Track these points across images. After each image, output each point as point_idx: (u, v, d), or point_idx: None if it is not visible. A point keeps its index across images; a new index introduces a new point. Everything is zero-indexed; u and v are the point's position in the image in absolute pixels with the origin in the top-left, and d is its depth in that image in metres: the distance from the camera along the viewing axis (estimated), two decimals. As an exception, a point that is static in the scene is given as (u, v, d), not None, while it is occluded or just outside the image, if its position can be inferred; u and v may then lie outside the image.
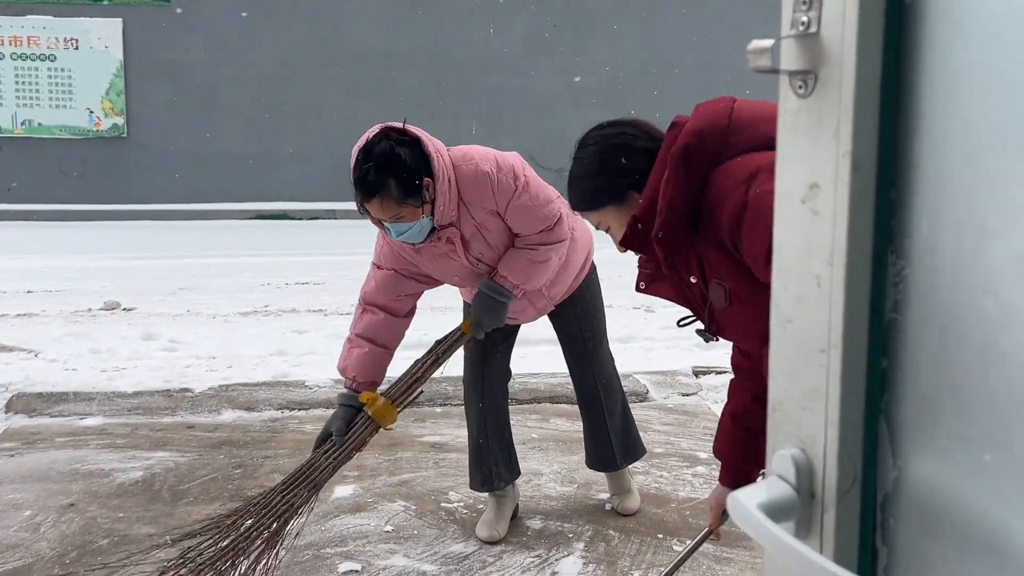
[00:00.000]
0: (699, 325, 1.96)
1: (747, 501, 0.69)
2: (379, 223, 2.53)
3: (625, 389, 3.18)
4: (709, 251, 1.74)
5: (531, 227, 2.64)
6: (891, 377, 0.68)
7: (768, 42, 0.68)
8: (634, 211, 1.79)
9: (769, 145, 1.67)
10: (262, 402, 4.24)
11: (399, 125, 2.49)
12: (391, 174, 2.40)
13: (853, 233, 0.66)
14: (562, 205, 2.69)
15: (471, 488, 3.06)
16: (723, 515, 2.05)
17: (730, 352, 2.01)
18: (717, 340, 1.92)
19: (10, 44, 11.07)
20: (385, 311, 2.72)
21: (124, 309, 6.26)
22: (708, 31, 12.09)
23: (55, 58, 11.12)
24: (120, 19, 11.15)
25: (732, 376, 2.04)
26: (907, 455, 0.67)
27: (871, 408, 0.69)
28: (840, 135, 0.66)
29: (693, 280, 1.82)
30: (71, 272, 7.56)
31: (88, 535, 2.95)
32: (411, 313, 2.80)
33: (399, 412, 2.67)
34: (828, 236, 0.67)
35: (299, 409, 4.19)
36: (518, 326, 2.99)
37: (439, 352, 2.73)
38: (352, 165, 2.45)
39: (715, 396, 4.39)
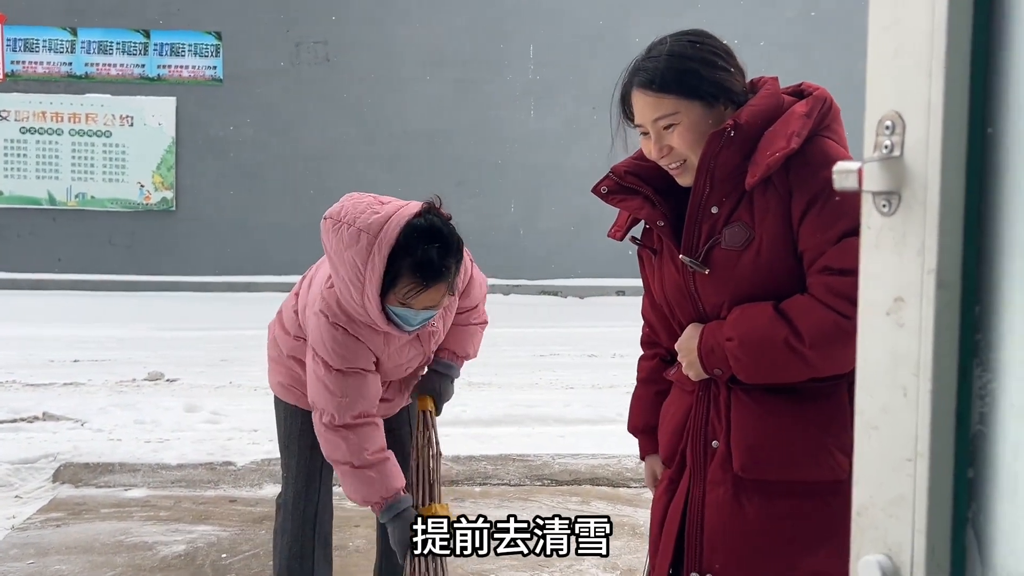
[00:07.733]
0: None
1: (835, 607, 0.71)
2: (384, 315, 2.24)
3: None
4: (767, 199, 1.59)
5: (480, 295, 2.58)
6: (978, 487, 0.69)
7: (854, 164, 0.72)
8: (713, 125, 1.62)
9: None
10: (303, 477, 4.25)
11: (436, 205, 2.26)
12: (458, 258, 2.21)
13: (939, 346, 0.69)
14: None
15: None
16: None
17: None
18: (705, 272, 1.64)
19: (69, 120, 11.49)
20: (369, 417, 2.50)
21: (167, 380, 6.35)
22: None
23: (111, 134, 11.52)
24: (174, 97, 11.56)
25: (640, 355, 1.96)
26: (996, 564, 0.68)
27: (958, 517, 0.70)
28: (925, 253, 0.69)
29: (714, 210, 1.62)
30: (116, 342, 7.70)
31: (132, 609, 2.96)
32: None
33: (444, 502, 2.60)
34: (914, 348, 0.70)
35: (339, 485, 4.19)
36: None
37: (423, 439, 2.60)
38: (394, 236, 2.15)
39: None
